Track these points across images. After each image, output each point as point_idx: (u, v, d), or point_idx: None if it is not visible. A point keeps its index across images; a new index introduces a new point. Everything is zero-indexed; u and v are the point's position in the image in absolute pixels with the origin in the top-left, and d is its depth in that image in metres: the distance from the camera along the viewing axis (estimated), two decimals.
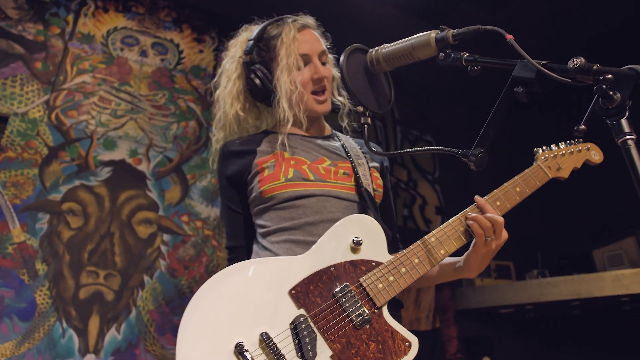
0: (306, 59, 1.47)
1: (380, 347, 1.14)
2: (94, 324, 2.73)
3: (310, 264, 1.20)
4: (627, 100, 0.78)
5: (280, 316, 1.13)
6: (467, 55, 1.06)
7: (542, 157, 1.46)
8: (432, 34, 1.13)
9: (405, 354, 1.14)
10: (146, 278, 2.93)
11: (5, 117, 2.90)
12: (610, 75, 0.78)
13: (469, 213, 1.29)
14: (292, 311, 1.14)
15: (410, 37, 1.19)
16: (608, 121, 0.80)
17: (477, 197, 1.32)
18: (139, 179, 3.11)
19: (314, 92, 1.48)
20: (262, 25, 1.54)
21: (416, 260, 1.23)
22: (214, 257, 3.13)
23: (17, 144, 2.87)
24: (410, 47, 1.18)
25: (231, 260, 1.45)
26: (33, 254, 2.72)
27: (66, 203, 2.88)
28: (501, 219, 1.26)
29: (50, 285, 2.70)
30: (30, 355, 2.54)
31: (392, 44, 1.25)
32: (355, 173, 1.42)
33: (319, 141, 1.52)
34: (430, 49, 1.14)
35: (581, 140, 1.55)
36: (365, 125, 1.29)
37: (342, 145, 1.54)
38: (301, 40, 1.47)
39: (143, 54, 3.41)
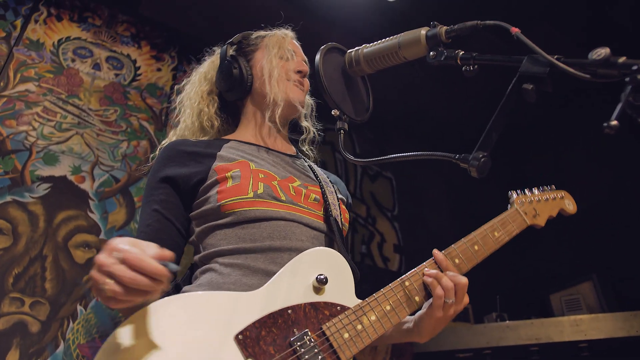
0: (292, 57, 1.44)
1: None
2: (12, 359, 2.39)
3: (264, 303, 0.98)
4: None
5: None
6: (463, 53, 0.96)
7: (519, 202, 1.37)
8: (422, 31, 1.03)
9: None
10: (79, 308, 2.63)
11: None
12: None
13: (427, 269, 1.14)
14: None
15: (396, 35, 1.09)
16: None
17: (435, 252, 1.17)
18: (81, 198, 2.84)
19: (292, 81, 1.40)
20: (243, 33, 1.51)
21: (388, 307, 1.07)
22: None
23: None
24: (397, 46, 1.08)
25: None
26: None
27: None
28: (465, 280, 1.11)
29: None
30: None
31: (375, 43, 1.14)
32: (325, 200, 1.27)
33: (286, 157, 1.38)
34: (419, 48, 1.03)
35: (553, 187, 1.50)
36: (342, 131, 1.17)
37: (310, 167, 1.41)
38: (291, 42, 1.46)
39: (96, 67, 3.21)
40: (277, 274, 1.04)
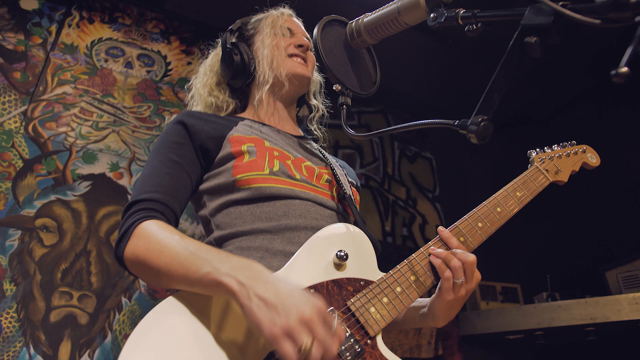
0: (290, 34, 1.39)
1: None
2: (64, 350, 2.50)
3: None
4: None
5: (251, 351, 0.87)
6: (464, 12, 0.88)
7: (539, 159, 1.33)
8: None
9: None
10: (124, 300, 2.71)
11: None
12: None
13: (432, 248, 1.08)
14: (266, 344, 0.88)
15: (395, 1, 1.02)
16: None
17: (440, 230, 1.12)
18: (120, 194, 2.92)
19: (292, 56, 1.35)
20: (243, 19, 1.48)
21: (413, 278, 1.03)
22: None
23: None
24: (396, 11, 1.01)
25: (146, 211, 1.02)
26: (1, 273, 2.52)
27: (40, 219, 2.69)
28: (472, 258, 1.04)
29: (18, 307, 2.49)
30: None
31: (375, 11, 1.08)
32: (338, 181, 1.24)
33: (295, 139, 1.35)
34: (419, 11, 0.96)
35: (574, 142, 1.43)
36: (344, 106, 1.11)
37: (319, 150, 1.38)
38: (288, 19, 1.41)
39: (128, 65, 3.28)
40: (295, 254, 1.01)
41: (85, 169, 2.90)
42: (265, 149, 1.17)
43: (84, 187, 2.86)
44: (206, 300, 0.91)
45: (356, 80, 1.17)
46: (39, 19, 3.15)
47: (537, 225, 3.85)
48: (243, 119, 1.32)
